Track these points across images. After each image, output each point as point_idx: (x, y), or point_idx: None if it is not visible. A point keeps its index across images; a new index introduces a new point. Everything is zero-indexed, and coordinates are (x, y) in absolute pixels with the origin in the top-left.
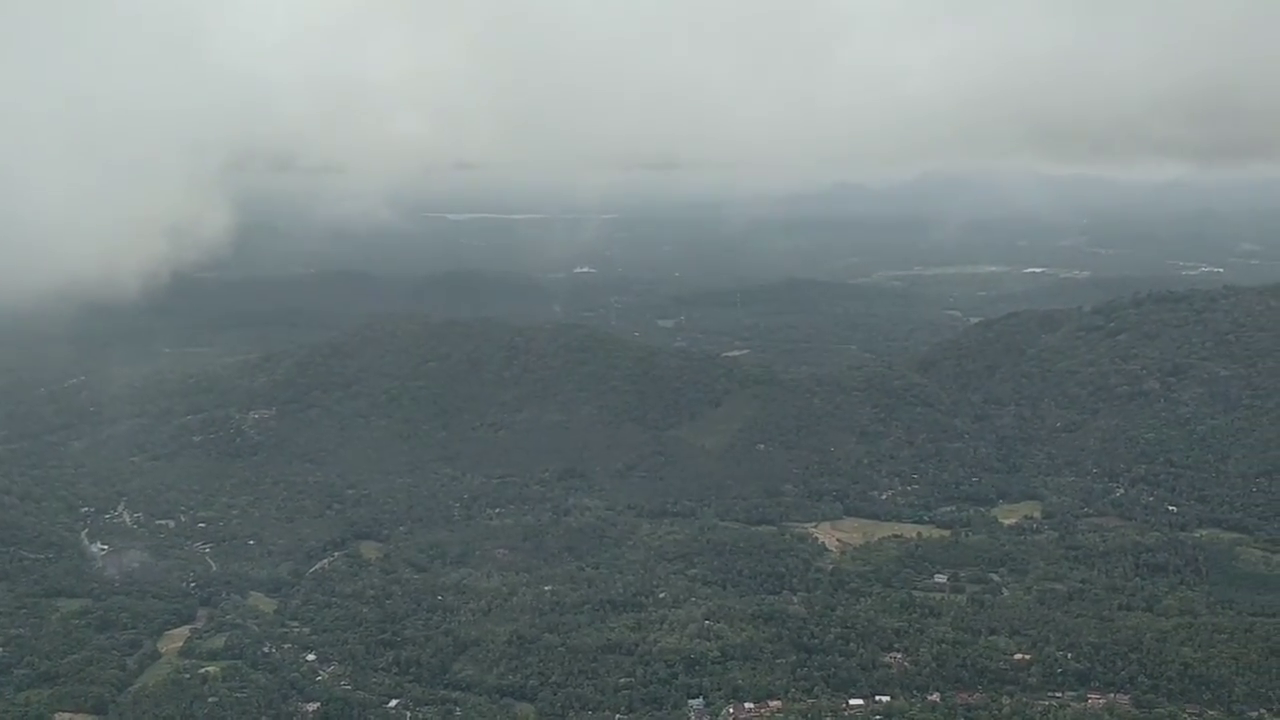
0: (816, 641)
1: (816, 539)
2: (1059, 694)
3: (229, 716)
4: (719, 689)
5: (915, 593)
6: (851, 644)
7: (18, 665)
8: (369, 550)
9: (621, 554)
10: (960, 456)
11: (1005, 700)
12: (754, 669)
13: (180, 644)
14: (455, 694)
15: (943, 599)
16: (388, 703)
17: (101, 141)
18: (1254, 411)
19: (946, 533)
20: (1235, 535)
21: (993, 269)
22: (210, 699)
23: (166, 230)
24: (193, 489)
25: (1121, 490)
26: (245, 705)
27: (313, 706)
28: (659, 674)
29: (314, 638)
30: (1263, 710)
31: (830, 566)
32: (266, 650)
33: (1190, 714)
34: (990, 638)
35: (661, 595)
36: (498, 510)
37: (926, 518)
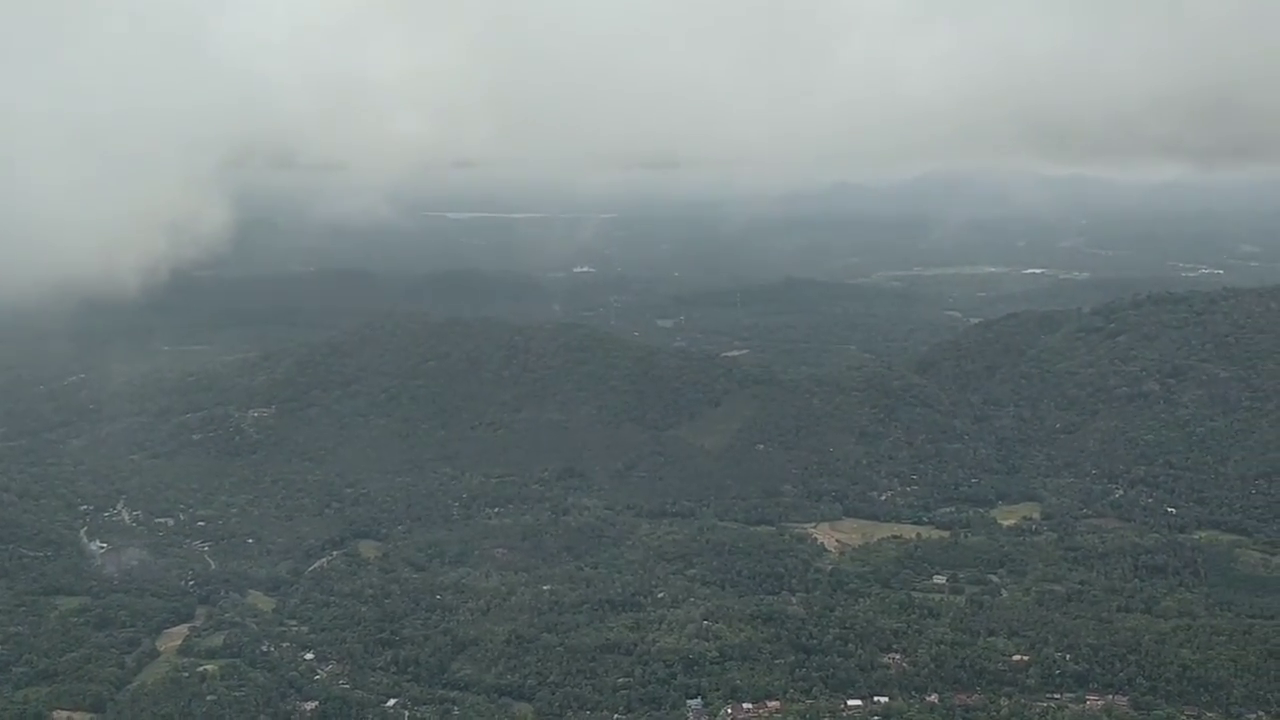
0: (815, 642)
1: (815, 539)
2: (1057, 695)
3: (227, 715)
4: (717, 689)
5: (914, 594)
6: (850, 645)
7: (16, 663)
8: (368, 549)
9: (620, 554)
10: (959, 457)
11: (1004, 701)
12: (752, 669)
13: (179, 642)
14: (453, 693)
15: (941, 600)
16: (386, 702)
17: (101, 138)
18: (1253, 413)
19: (945, 534)
20: (1234, 537)
21: (992, 269)
22: (208, 697)
23: (166, 227)
24: (192, 487)
25: (1121, 492)
26: (243, 704)
27: (311, 705)
28: (657, 674)
29: (312, 636)
30: (1261, 712)
31: (829, 567)
32: (265, 649)
33: (1188, 716)
34: (989, 639)
35: (660, 595)
36: (496, 510)
37: (926, 519)
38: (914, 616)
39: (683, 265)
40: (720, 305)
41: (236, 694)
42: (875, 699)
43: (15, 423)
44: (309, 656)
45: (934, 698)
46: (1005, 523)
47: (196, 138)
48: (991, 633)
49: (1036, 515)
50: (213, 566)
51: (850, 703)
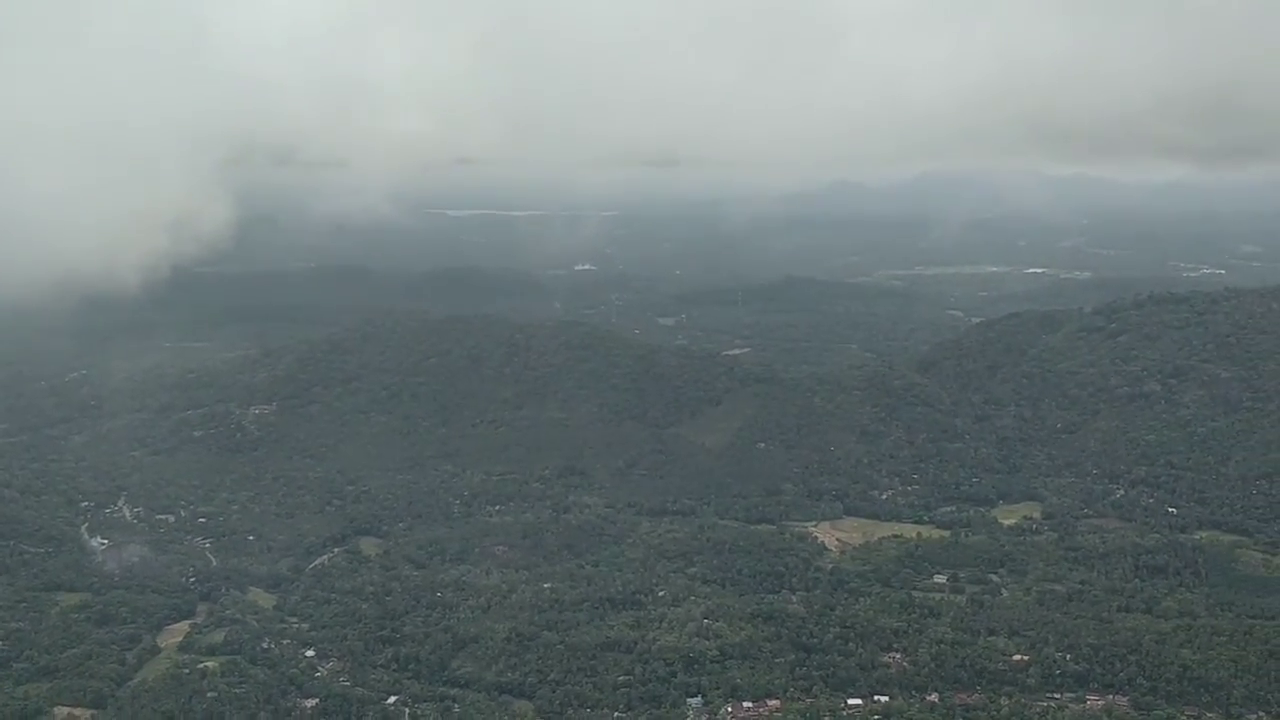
0: (815, 641)
1: (816, 538)
2: (1057, 695)
3: (228, 712)
4: (718, 688)
5: (914, 593)
6: (850, 644)
7: (17, 659)
8: (368, 546)
9: (621, 552)
10: (960, 457)
11: (1004, 701)
12: (753, 668)
13: (179, 639)
14: (454, 691)
15: (942, 599)
16: (386, 699)
17: (102, 136)
18: (1255, 414)
19: (946, 533)
20: (1235, 537)
21: (993, 269)
22: (209, 694)
23: (167, 224)
24: (193, 484)
25: (1121, 492)
26: (244, 701)
27: (311, 702)
28: (658, 672)
29: (313, 634)
30: (1261, 713)
31: (830, 566)
32: (265, 646)
33: (1189, 716)
34: (989, 638)
35: (661, 593)
36: (497, 507)
37: (926, 518)
38: (914, 616)
39: (684, 264)
40: (721, 304)
41: (237, 691)
42: (875, 698)
43: (17, 418)
44: (310, 653)
45: (934, 697)
46: (1006, 522)
47: (198, 135)
48: (992, 632)
49: (1037, 515)
50: (214, 563)
51: (850, 702)
